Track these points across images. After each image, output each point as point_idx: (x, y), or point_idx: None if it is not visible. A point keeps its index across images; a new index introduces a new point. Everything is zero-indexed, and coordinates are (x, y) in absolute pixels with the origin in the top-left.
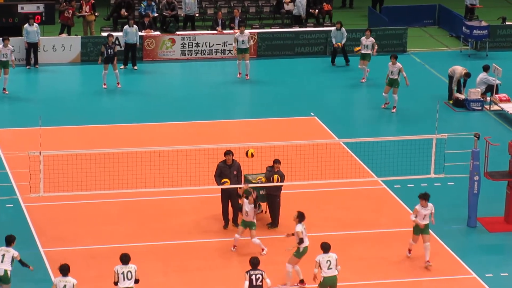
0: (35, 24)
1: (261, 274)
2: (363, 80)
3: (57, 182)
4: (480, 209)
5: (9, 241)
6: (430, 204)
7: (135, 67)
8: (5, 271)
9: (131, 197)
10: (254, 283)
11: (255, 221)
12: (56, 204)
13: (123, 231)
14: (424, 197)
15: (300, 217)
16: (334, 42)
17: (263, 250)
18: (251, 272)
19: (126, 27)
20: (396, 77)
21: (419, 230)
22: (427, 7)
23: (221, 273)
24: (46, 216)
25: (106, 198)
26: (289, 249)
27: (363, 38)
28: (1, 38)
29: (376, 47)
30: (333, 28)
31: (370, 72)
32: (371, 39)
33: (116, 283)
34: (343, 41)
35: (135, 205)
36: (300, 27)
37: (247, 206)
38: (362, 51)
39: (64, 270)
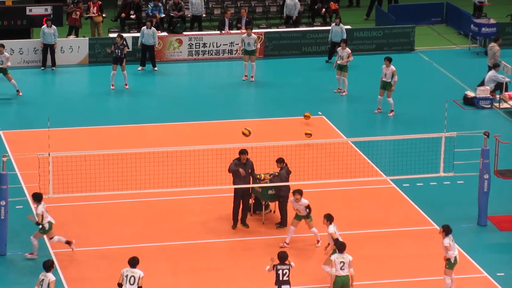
0: (53, 26)
1: (288, 269)
2: (340, 92)
3: (66, 183)
4: (490, 207)
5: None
6: (445, 239)
7: (155, 68)
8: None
9: (140, 198)
10: (281, 278)
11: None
12: (65, 205)
13: (132, 231)
14: (442, 227)
15: (329, 219)
16: (330, 38)
17: (318, 242)
18: (278, 267)
19: (143, 28)
20: (389, 80)
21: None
22: (435, 5)
23: (230, 273)
24: (55, 217)
25: (115, 198)
26: (326, 250)
27: (339, 48)
28: None
29: (351, 58)
30: (332, 24)
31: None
32: (347, 50)
33: (120, 285)
34: (344, 36)
35: (144, 206)
36: (294, 27)
37: (296, 205)
38: (339, 62)
39: (46, 266)
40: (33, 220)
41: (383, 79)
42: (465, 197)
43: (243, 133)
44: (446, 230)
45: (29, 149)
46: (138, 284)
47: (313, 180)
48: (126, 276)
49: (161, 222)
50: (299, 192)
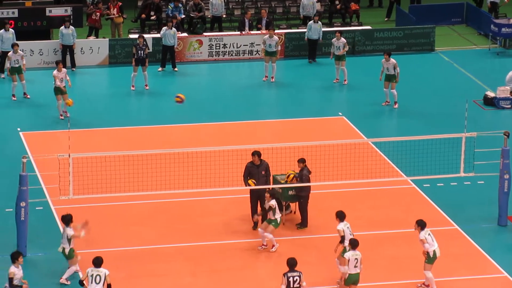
0: (71, 27)
1: (299, 276)
2: (336, 81)
3: (86, 185)
4: (510, 207)
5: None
6: (421, 233)
7: (176, 69)
8: (63, 248)
9: (160, 199)
10: (292, 285)
11: (275, 218)
12: (85, 207)
13: (152, 232)
14: (416, 222)
15: (339, 216)
16: (306, 37)
17: (273, 246)
18: (289, 274)
19: (164, 28)
20: (393, 73)
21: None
22: (455, 5)
23: (250, 274)
24: (75, 218)
25: (135, 199)
26: (337, 248)
27: (334, 39)
28: (11, 44)
29: (346, 48)
30: (310, 22)
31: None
32: (343, 40)
33: (81, 282)
34: (320, 35)
35: (164, 207)
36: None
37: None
38: (336, 53)
39: (12, 257)
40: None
41: (386, 73)
42: (485, 197)
43: (177, 101)
44: (421, 224)
45: (49, 150)
46: (106, 281)
47: (333, 181)
48: (92, 275)
49: (181, 223)
50: (268, 191)
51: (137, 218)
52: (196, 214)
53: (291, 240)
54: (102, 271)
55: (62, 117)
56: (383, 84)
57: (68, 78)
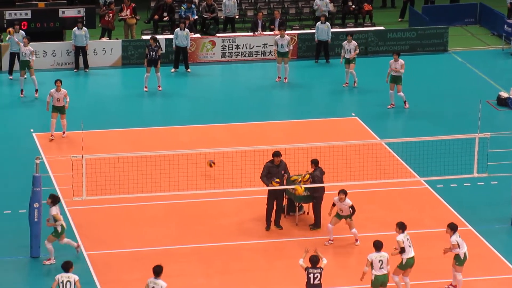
0: (84, 28)
1: (320, 273)
2: (345, 85)
3: (99, 186)
4: None
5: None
6: (453, 237)
7: (188, 70)
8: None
9: (173, 200)
10: (312, 282)
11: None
12: (98, 207)
13: (165, 233)
14: (448, 226)
15: (401, 227)
16: (316, 38)
17: (356, 241)
18: (310, 270)
19: (177, 30)
20: (399, 74)
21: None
22: (468, 6)
23: (263, 275)
24: (89, 219)
25: (148, 200)
26: (393, 253)
27: (345, 42)
28: (22, 37)
29: (357, 50)
30: (318, 23)
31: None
32: (354, 43)
33: None
34: (329, 35)
35: (178, 208)
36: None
37: (340, 204)
38: (346, 56)
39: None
40: (52, 224)
41: (393, 74)
42: (499, 197)
43: (210, 165)
44: (453, 228)
45: (62, 151)
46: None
47: (346, 182)
48: (62, 282)
49: (194, 223)
50: (343, 192)
51: (150, 219)
52: (209, 215)
53: (304, 241)
54: (72, 276)
55: (53, 137)
56: (389, 86)
57: (68, 99)
